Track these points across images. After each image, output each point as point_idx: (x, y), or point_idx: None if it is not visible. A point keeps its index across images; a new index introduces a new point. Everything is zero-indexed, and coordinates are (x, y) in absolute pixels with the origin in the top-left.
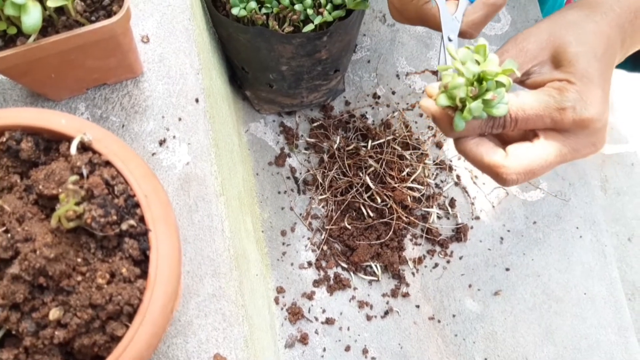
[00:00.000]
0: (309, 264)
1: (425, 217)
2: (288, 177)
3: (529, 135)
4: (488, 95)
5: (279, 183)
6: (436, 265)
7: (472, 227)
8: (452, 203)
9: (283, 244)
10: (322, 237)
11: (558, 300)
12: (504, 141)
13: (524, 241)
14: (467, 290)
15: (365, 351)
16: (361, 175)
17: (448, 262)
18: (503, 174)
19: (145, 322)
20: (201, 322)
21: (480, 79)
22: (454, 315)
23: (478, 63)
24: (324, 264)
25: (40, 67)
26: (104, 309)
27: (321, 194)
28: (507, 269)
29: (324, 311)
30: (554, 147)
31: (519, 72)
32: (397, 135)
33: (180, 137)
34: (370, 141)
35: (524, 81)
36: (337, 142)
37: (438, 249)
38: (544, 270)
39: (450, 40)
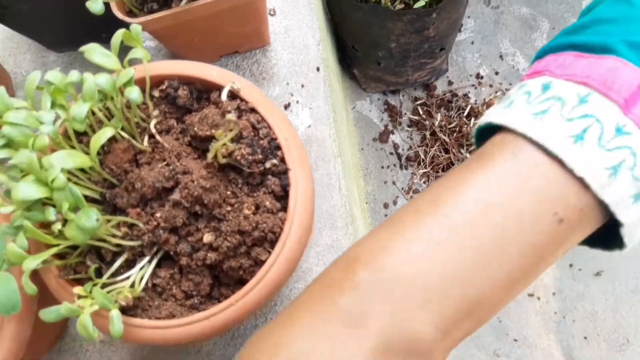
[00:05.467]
0: None
1: None
2: (391, 153)
3: None
4: None
5: (382, 158)
6: None
7: None
8: None
9: (385, 215)
10: None
11: None
12: None
13: None
14: (568, 269)
15: None
16: (462, 152)
17: None
18: None
19: (285, 249)
20: (320, 269)
21: None
22: (554, 293)
23: None
24: None
25: (187, 30)
26: (250, 235)
27: (423, 170)
28: None
29: None
30: None
31: None
32: None
33: (303, 102)
34: (472, 119)
35: None
36: (439, 120)
37: None
38: None
39: None
